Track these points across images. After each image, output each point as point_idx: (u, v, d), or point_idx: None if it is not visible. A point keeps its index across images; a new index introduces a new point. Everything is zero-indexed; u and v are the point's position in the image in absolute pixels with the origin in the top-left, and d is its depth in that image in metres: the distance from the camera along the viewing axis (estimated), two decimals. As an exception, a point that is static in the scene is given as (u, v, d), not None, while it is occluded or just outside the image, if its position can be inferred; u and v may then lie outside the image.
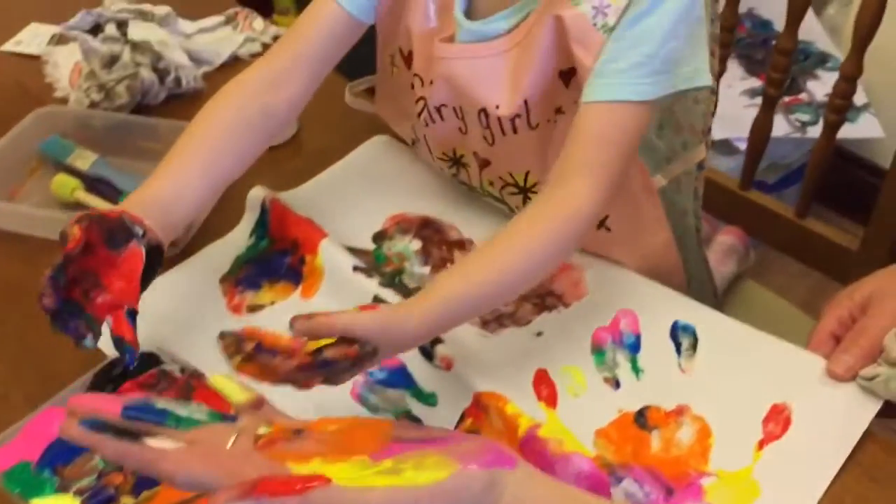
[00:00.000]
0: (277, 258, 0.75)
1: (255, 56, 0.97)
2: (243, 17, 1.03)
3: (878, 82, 1.71)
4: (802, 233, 1.05)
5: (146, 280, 0.60)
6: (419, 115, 0.77)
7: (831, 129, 1.00)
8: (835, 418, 0.62)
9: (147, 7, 0.94)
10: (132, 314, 0.58)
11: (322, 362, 0.53)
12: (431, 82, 0.74)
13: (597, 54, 0.65)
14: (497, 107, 0.71)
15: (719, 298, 0.94)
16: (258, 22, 1.02)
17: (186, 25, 0.98)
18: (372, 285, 0.71)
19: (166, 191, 0.65)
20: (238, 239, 0.77)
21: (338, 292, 0.72)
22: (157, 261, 0.62)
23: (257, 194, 0.78)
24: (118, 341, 0.57)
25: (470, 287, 0.61)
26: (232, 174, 0.70)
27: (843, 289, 0.67)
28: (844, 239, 1.02)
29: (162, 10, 0.94)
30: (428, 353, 0.67)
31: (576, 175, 0.64)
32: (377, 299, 0.70)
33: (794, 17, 0.95)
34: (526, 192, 0.76)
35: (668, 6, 0.65)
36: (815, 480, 0.59)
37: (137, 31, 0.88)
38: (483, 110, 0.72)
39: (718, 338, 0.68)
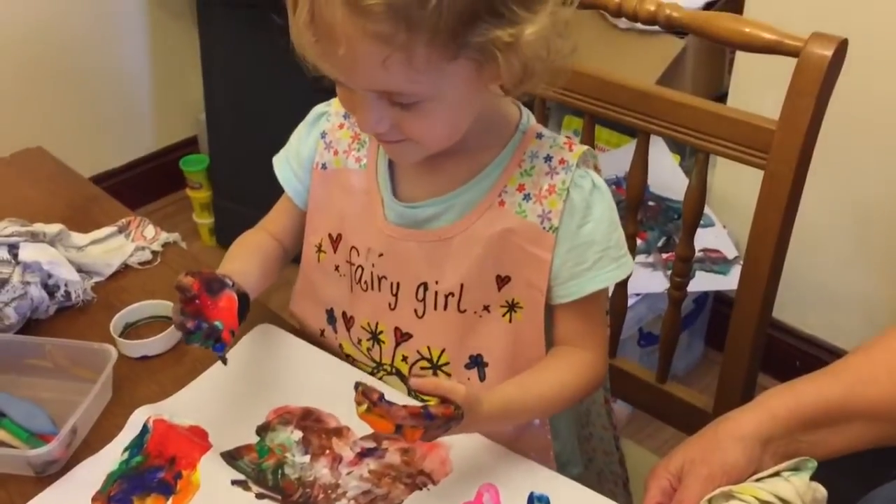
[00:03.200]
0: (150, 473, 0.79)
1: (144, 264, 1.05)
2: (135, 226, 1.10)
3: (744, 235, 1.88)
4: (663, 396, 1.13)
5: (241, 318, 0.80)
6: (357, 282, 0.87)
7: (675, 302, 1.11)
8: None
9: (39, 227, 1.00)
10: (232, 332, 0.78)
11: (427, 414, 0.69)
12: (381, 255, 0.85)
13: (552, 251, 0.80)
14: (437, 282, 0.83)
15: (625, 469, 1.02)
16: (149, 230, 1.09)
17: (79, 238, 1.04)
18: (249, 498, 0.76)
19: (234, 271, 0.84)
20: (111, 455, 0.81)
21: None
22: (246, 304, 0.82)
23: (140, 416, 0.84)
24: (215, 333, 0.77)
25: (523, 395, 0.80)
26: (267, 276, 0.91)
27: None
28: (700, 401, 1.11)
29: (54, 228, 1.00)
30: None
31: (589, 345, 0.85)
32: None
33: (689, 228, 1.06)
34: (436, 368, 0.86)
35: (597, 212, 0.81)
36: None
37: (28, 252, 0.94)
38: (423, 284, 0.83)
39: None
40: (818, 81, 0.87)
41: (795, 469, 0.69)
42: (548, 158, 0.81)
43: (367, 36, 0.66)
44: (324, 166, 0.90)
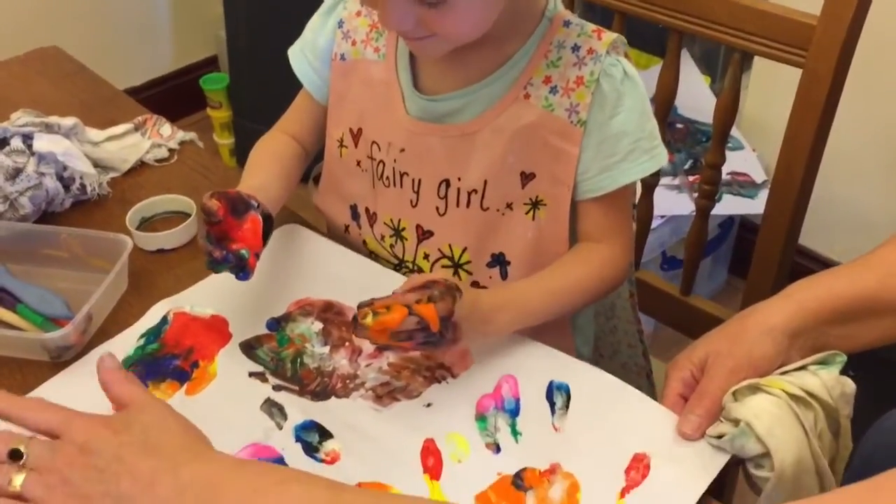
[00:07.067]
0: (166, 360, 0.79)
1: (160, 161, 1.03)
2: (151, 124, 1.08)
3: (774, 160, 1.84)
4: (686, 309, 1.11)
5: (265, 239, 0.77)
6: (380, 177, 0.85)
7: (702, 213, 1.08)
8: (689, 466, 0.67)
9: (54, 119, 0.98)
10: (256, 256, 0.76)
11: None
12: (402, 150, 0.82)
13: (580, 145, 0.77)
14: (459, 179, 0.81)
15: (649, 361, 1.01)
16: (166, 128, 1.07)
17: (94, 134, 1.03)
18: (266, 389, 0.76)
19: (257, 186, 0.82)
20: (126, 340, 0.80)
21: (227, 393, 0.76)
22: (270, 226, 0.79)
23: (160, 308, 0.83)
24: (241, 262, 0.74)
25: (531, 289, 0.79)
26: (290, 184, 0.89)
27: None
28: (724, 313, 1.08)
29: (69, 121, 0.99)
30: (314, 448, 0.71)
31: (613, 241, 0.82)
32: (269, 401, 0.75)
33: (720, 134, 1.02)
34: (458, 266, 0.85)
35: (628, 102, 0.77)
36: None
37: (42, 143, 0.92)
38: (445, 181, 0.81)
39: (589, 392, 0.74)
40: (864, -30, 0.83)
41: (823, 363, 0.67)
42: (575, 48, 0.78)
43: None
44: (342, 57, 0.87)
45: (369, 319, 0.68)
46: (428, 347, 0.71)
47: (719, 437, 0.67)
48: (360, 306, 0.69)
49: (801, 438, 0.63)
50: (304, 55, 0.90)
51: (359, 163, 0.87)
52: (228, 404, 0.75)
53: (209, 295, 0.85)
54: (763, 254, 1.02)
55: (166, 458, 0.57)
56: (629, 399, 0.74)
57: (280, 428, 0.73)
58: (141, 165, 1.02)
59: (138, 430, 0.59)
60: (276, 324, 0.82)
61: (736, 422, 0.65)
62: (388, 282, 0.81)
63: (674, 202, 1.68)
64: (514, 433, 0.72)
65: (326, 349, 0.80)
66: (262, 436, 0.72)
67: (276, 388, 0.76)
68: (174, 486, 0.56)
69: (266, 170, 0.87)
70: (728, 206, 1.68)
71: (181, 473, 0.56)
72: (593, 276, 0.81)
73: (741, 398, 0.66)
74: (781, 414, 0.64)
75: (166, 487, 0.56)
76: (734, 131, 1.81)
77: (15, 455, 0.59)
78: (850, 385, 0.66)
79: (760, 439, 0.64)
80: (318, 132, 0.92)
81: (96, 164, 0.98)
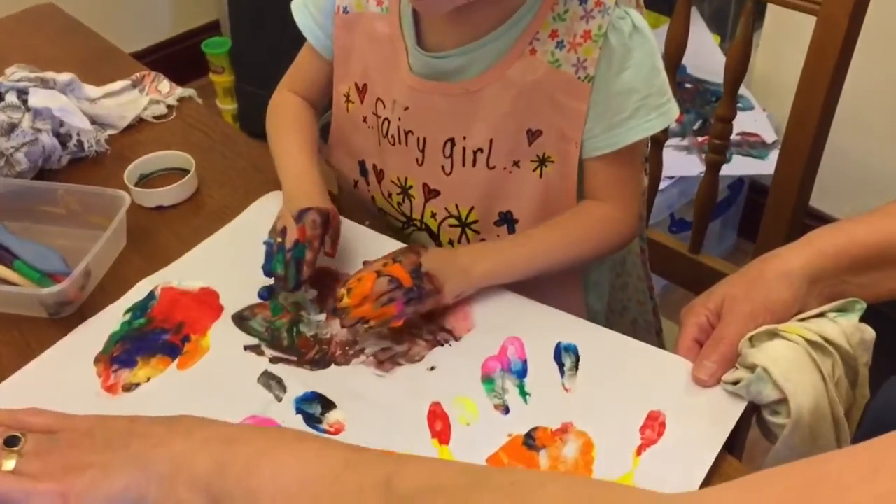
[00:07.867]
0: (154, 335, 0.76)
1: (159, 118, 1.01)
2: (150, 81, 1.06)
3: (784, 120, 1.80)
4: (696, 267, 1.10)
5: None
6: (385, 135, 0.83)
7: (712, 168, 1.05)
8: (705, 419, 0.66)
9: (49, 75, 0.96)
10: None
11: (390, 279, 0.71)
12: (407, 108, 0.81)
13: (587, 102, 0.75)
14: (464, 138, 0.79)
15: (658, 318, 1.00)
16: (164, 84, 1.05)
17: (91, 90, 1.01)
18: (262, 362, 0.73)
19: (318, 180, 0.82)
20: (112, 316, 0.77)
21: (222, 367, 0.73)
22: None
23: (146, 285, 0.80)
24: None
25: (516, 242, 0.79)
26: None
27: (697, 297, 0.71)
28: (733, 271, 1.06)
29: (65, 77, 0.96)
30: (316, 419, 0.69)
31: (617, 200, 0.80)
32: (267, 374, 0.72)
33: (732, 86, 0.99)
34: (465, 226, 0.84)
35: (637, 57, 0.75)
36: (689, 478, 0.62)
37: (37, 98, 0.90)
38: (450, 140, 0.80)
39: (598, 352, 0.72)
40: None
41: (842, 310, 0.65)
42: (583, 0, 0.75)
43: None
44: (345, 10, 0.84)
45: (346, 299, 0.70)
46: (414, 304, 0.71)
47: (735, 383, 0.65)
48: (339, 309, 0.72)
49: (818, 384, 0.62)
50: (306, 8, 0.88)
51: (365, 119, 0.86)
52: (224, 378, 0.72)
53: (197, 267, 0.82)
54: (773, 214, 1.00)
55: (179, 426, 0.57)
56: (639, 355, 0.72)
57: (279, 401, 0.70)
58: (139, 122, 1.00)
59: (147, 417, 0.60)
60: (269, 293, 0.79)
61: (752, 368, 0.64)
62: (384, 248, 0.79)
63: (682, 163, 1.65)
64: (523, 394, 0.70)
65: (323, 316, 0.77)
66: (259, 409, 0.69)
67: (274, 360, 0.73)
68: (189, 443, 0.55)
69: (308, 152, 0.85)
70: (738, 166, 1.65)
71: (195, 434, 0.56)
72: (591, 233, 0.79)
73: (758, 344, 0.64)
74: (799, 359, 0.62)
75: (181, 445, 0.55)
76: (745, 91, 1.78)
77: (11, 442, 0.58)
78: (869, 332, 0.64)
79: (777, 385, 0.62)
80: (325, 88, 0.90)
81: (93, 121, 0.96)
